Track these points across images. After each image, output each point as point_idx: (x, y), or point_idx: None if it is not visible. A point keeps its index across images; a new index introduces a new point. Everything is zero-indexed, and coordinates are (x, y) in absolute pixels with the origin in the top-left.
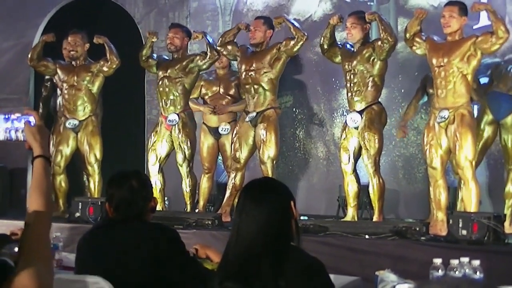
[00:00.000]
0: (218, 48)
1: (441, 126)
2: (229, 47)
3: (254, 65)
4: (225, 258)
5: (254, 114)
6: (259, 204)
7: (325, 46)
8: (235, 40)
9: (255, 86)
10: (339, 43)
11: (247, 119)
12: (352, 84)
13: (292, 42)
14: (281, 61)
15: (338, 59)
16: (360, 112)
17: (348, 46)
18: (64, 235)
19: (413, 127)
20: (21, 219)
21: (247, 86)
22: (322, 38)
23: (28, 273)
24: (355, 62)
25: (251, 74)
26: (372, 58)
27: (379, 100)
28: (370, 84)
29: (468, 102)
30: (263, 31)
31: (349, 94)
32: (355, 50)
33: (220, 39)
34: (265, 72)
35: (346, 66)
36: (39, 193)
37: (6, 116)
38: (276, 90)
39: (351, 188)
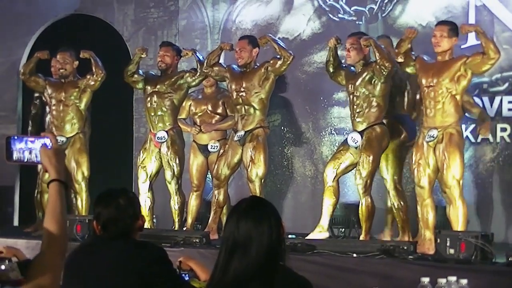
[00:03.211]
0: (205, 71)
1: (430, 145)
2: (216, 69)
3: (244, 85)
4: (214, 278)
5: (243, 133)
6: (257, 223)
7: (331, 70)
8: (220, 61)
9: (246, 107)
10: (343, 65)
11: (235, 138)
12: (355, 106)
13: (279, 62)
14: (270, 80)
15: (344, 81)
16: (361, 132)
17: (351, 68)
18: None
19: None
20: (7, 237)
21: (238, 106)
22: (326, 63)
23: None
24: (357, 84)
25: (242, 95)
26: (373, 80)
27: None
28: (372, 105)
29: (457, 121)
30: (248, 51)
31: (352, 115)
32: (356, 72)
33: (205, 61)
34: (256, 93)
35: (350, 88)
36: (52, 218)
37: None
38: (266, 109)
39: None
